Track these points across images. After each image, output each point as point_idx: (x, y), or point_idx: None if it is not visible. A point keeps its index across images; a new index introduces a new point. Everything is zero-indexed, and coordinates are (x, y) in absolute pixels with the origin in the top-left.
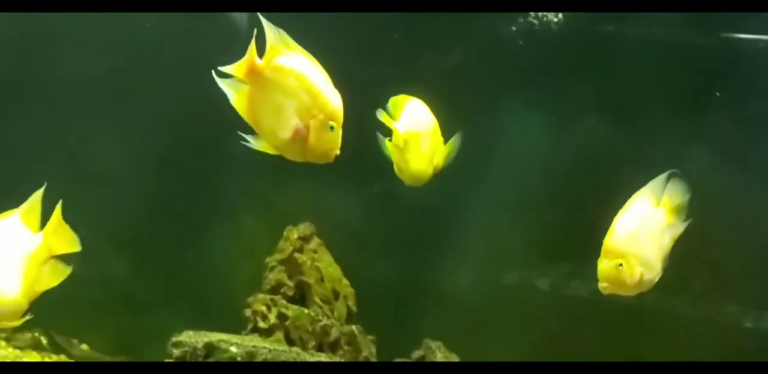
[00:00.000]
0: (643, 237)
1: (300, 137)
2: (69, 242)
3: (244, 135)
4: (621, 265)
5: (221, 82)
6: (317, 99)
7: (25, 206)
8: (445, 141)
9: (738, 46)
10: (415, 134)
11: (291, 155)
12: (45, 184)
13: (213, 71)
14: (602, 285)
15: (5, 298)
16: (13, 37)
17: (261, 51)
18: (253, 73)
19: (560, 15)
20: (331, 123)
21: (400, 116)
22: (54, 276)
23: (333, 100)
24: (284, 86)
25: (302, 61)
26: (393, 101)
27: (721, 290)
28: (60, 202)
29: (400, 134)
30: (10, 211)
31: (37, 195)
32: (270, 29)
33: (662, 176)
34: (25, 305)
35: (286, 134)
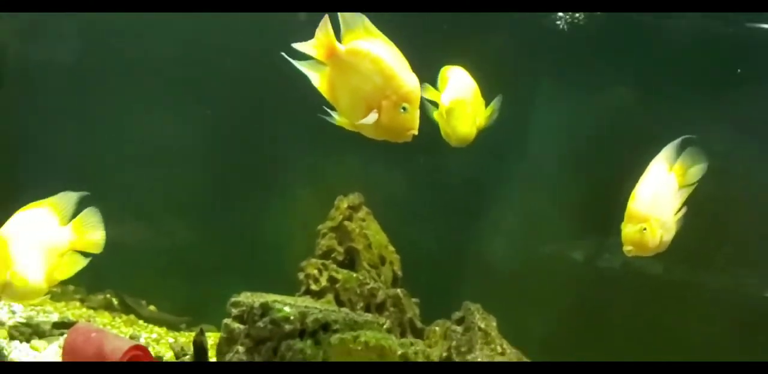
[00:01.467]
0: (661, 201)
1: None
2: (93, 244)
3: (328, 110)
4: (645, 229)
5: (301, 65)
6: (391, 81)
7: (56, 198)
8: (486, 103)
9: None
10: (460, 101)
11: (367, 133)
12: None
13: (286, 53)
14: (627, 249)
15: (32, 283)
16: (94, 27)
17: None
18: (333, 56)
19: None
20: (404, 104)
21: (446, 86)
22: (71, 267)
23: (408, 82)
24: (360, 68)
25: (379, 45)
26: (441, 73)
27: (742, 262)
28: (96, 208)
29: (445, 106)
30: (42, 201)
31: (73, 195)
32: (351, 14)
33: (676, 142)
34: (46, 289)
35: (359, 114)
